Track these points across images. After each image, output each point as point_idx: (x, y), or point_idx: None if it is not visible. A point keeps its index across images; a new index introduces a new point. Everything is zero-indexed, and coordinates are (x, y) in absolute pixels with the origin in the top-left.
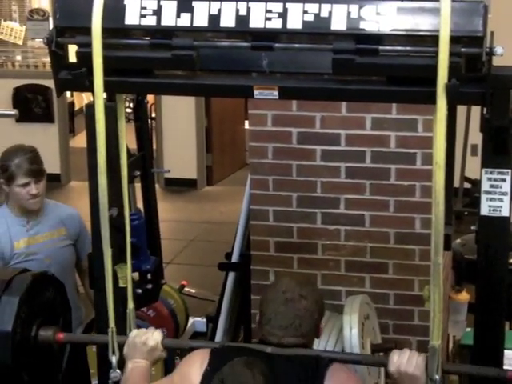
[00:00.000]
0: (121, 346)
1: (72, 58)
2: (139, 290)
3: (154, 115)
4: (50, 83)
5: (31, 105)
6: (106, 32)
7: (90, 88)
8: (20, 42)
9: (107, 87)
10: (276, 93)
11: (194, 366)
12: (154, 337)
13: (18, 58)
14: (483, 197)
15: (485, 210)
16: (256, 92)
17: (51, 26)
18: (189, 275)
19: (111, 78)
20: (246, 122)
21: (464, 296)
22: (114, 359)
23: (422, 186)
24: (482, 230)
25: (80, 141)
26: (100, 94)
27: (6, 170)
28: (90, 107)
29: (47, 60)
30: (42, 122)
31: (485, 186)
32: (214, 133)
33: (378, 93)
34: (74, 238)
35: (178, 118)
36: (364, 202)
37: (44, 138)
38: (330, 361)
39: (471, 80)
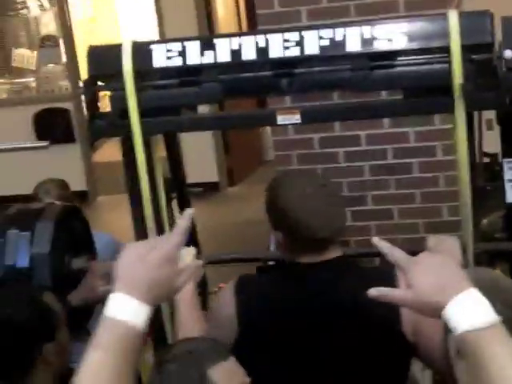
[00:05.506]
0: None
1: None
2: None
3: None
4: (67, 106)
5: (51, 128)
6: (136, 74)
7: (123, 131)
8: (33, 68)
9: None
10: (298, 117)
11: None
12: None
13: (33, 84)
14: (507, 185)
15: (511, 197)
16: (279, 118)
17: (62, 52)
18: (226, 277)
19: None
20: None
21: None
22: None
23: (445, 176)
24: (510, 216)
25: (101, 156)
26: (138, 134)
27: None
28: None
29: (62, 84)
30: (64, 143)
31: (507, 174)
32: (231, 135)
33: (396, 107)
34: None
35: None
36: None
37: (67, 158)
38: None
39: (484, 85)
